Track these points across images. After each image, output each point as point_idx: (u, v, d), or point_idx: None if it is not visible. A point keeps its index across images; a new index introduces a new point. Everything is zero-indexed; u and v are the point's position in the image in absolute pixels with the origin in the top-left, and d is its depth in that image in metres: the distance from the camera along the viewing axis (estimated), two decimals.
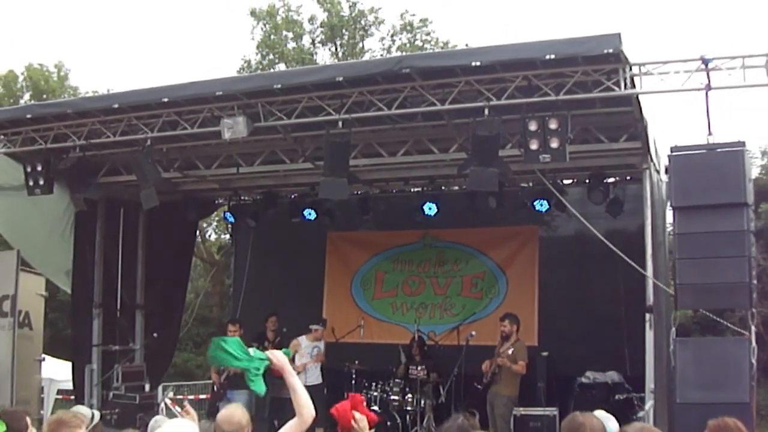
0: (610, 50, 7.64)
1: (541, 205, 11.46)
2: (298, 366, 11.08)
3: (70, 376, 12.61)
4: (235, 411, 4.75)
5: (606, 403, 10.30)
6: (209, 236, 26.53)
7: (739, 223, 7.98)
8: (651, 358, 8.80)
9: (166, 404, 13.40)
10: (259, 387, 4.47)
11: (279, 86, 8.96)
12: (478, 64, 8.09)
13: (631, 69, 8.04)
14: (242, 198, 13.73)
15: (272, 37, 26.65)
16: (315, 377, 11.29)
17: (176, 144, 10.80)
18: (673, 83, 8.04)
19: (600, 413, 4.97)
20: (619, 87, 8.06)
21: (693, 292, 8.21)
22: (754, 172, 10.39)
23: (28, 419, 5.30)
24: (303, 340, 11.46)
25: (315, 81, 8.95)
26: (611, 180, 11.56)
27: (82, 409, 5.77)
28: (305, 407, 4.39)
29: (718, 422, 4.74)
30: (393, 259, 13.59)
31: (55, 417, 4.51)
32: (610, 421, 4.94)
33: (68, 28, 45.53)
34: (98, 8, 45.17)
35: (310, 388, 10.54)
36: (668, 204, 9.20)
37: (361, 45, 27.25)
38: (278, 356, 4.56)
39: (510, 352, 10.42)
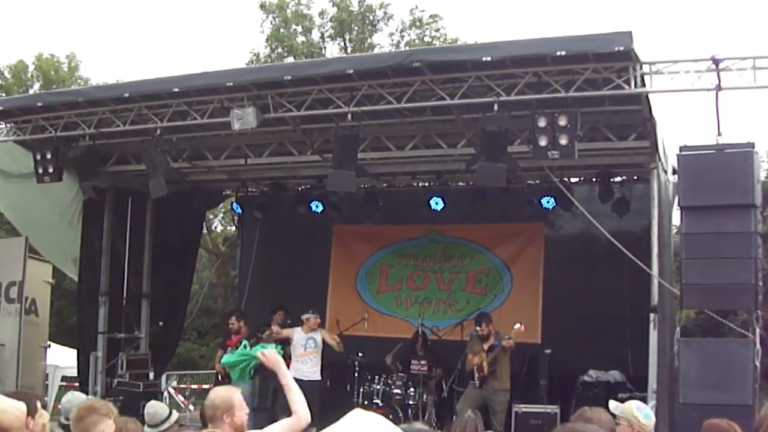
0: (621, 48, 7.67)
1: (548, 202, 11.49)
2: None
3: (74, 363, 12.71)
4: (216, 390, 4.78)
5: (608, 402, 10.33)
6: (215, 227, 26.60)
7: (747, 224, 7.99)
8: (654, 358, 8.82)
9: (169, 393, 13.50)
10: (237, 375, 4.40)
11: (289, 78, 8.99)
12: (488, 59, 8.11)
13: (641, 67, 8.06)
14: (250, 189, 13.77)
15: (281, 30, 26.70)
16: (311, 372, 10.68)
17: (185, 134, 10.82)
18: (684, 83, 8.06)
19: (636, 403, 4.99)
20: (629, 85, 8.08)
21: (698, 293, 8.21)
22: (761, 175, 10.39)
23: (38, 402, 5.32)
24: (297, 332, 10.88)
25: (325, 73, 8.99)
26: (618, 179, 11.56)
27: (81, 396, 5.81)
28: (302, 407, 4.35)
29: (712, 423, 4.76)
30: (398, 253, 13.60)
31: (87, 403, 4.55)
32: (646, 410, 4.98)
33: (79, 20, 45.54)
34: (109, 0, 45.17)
35: (302, 384, 10.56)
36: (675, 204, 9.21)
37: (369, 40, 27.26)
38: (270, 355, 4.56)
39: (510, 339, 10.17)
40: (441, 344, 12.05)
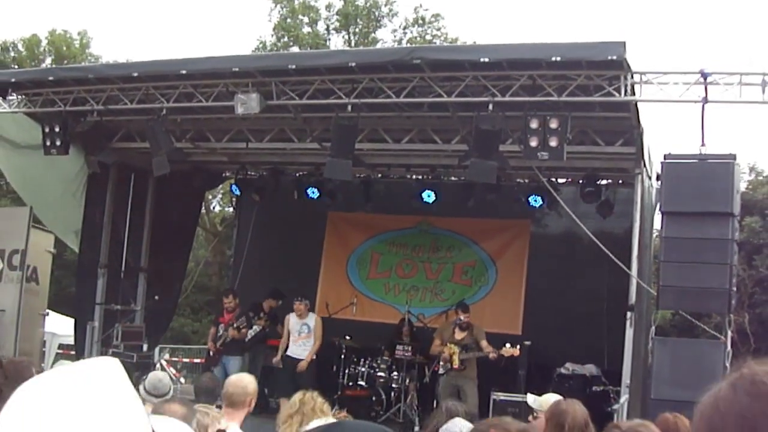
0: (614, 57, 7.94)
1: (535, 200, 11.78)
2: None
3: (71, 332, 12.98)
4: (244, 377, 5.15)
5: (582, 394, 10.68)
6: (213, 208, 26.88)
7: (725, 231, 8.31)
8: (629, 355, 9.12)
9: (162, 365, 13.81)
10: None
11: (293, 67, 9.27)
12: (486, 60, 8.40)
13: (632, 77, 8.35)
14: (249, 172, 14.01)
15: (288, 20, 26.99)
16: (305, 353, 11.16)
17: (190, 115, 11.06)
18: (672, 94, 8.36)
19: (554, 397, 5.20)
20: (620, 93, 8.37)
21: (675, 294, 8.55)
22: (741, 187, 10.71)
23: (33, 369, 5.52)
24: (292, 318, 11.35)
25: (328, 64, 9.29)
26: (604, 182, 11.87)
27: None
28: None
29: (664, 416, 5.02)
30: (389, 241, 13.89)
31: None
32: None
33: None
34: None
35: (296, 361, 11.05)
36: (657, 209, 9.52)
37: (373, 35, 27.57)
38: None
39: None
40: (425, 332, 12.35)
